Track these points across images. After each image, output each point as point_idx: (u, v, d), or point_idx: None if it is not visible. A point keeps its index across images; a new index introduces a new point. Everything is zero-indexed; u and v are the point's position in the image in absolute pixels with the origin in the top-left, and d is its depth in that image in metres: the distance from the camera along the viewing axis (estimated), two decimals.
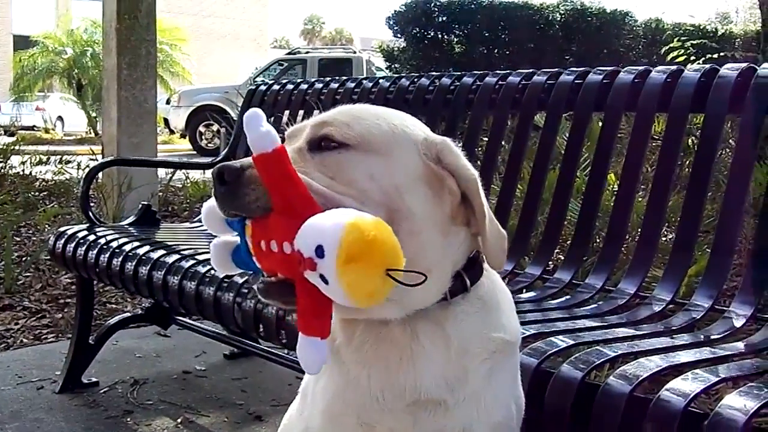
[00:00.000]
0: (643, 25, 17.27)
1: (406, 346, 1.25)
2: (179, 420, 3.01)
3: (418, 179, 1.24)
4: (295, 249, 1.07)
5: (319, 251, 1.04)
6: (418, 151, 1.26)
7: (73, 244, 3.13)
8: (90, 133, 23.84)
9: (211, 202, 1.23)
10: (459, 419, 1.26)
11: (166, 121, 19.55)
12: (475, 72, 3.07)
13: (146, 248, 2.87)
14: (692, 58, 7.44)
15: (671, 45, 7.45)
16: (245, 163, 1.15)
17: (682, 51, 7.29)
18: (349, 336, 1.29)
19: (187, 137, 18.15)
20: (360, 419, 1.28)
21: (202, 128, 17.63)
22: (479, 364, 1.27)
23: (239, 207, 1.15)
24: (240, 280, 2.39)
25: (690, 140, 4.85)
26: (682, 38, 7.70)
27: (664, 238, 3.83)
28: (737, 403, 1.37)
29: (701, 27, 16.69)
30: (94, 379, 3.39)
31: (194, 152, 16.97)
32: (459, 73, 3.11)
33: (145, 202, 3.67)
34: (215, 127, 16.78)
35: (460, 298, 1.28)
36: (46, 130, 23.74)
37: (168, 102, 20.47)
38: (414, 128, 1.30)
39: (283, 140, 1.22)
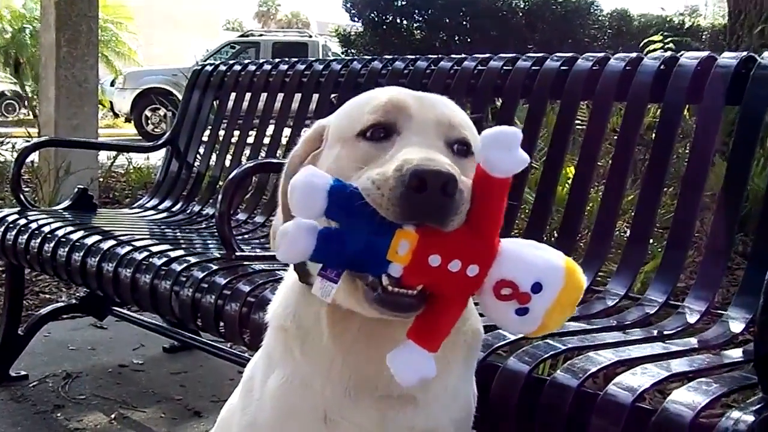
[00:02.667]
0: (609, 16, 17.44)
1: (399, 342, 1.20)
2: (113, 415, 2.97)
3: None
4: (500, 277, 1.11)
5: (537, 287, 1.11)
6: None
7: (2, 229, 3.07)
8: (28, 114, 23.40)
9: (312, 180, 1.10)
10: (429, 416, 1.27)
11: (110, 104, 19.27)
12: (430, 56, 3.07)
13: (80, 233, 2.83)
14: (668, 53, 7.50)
15: (651, 38, 7.49)
16: (454, 175, 1.07)
17: (660, 45, 7.34)
18: (340, 330, 1.25)
19: (133, 121, 17.91)
20: (326, 414, 1.26)
21: (148, 112, 17.42)
22: (460, 356, 1.29)
23: (442, 221, 1.08)
24: (178, 268, 2.37)
25: (653, 134, 4.91)
26: (664, 33, 7.73)
27: (623, 233, 3.87)
28: (685, 399, 1.39)
29: (669, 19, 16.92)
30: (23, 373, 3.33)
31: (140, 137, 16.74)
32: (413, 57, 3.11)
33: (82, 186, 3.61)
34: (162, 112, 16.58)
35: None
36: None
37: (113, 84, 20.17)
38: None
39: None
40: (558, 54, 2.62)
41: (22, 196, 3.35)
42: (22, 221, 3.07)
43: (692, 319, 2.07)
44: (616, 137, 2.58)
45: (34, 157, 6.13)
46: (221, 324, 2.19)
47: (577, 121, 2.74)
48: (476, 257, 1.10)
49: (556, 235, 3.58)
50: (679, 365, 1.64)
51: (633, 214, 2.43)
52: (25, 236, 2.96)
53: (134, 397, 3.16)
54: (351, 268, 1.14)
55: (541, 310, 1.11)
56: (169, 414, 3.02)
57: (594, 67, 2.49)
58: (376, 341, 1.23)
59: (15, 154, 8.02)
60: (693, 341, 1.90)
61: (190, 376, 3.44)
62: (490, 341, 1.69)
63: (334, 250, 1.12)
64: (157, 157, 6.24)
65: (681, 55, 2.35)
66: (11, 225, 3.06)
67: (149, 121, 17.46)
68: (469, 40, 15.49)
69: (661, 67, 2.35)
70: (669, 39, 7.33)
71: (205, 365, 3.54)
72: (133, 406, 3.08)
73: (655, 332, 1.96)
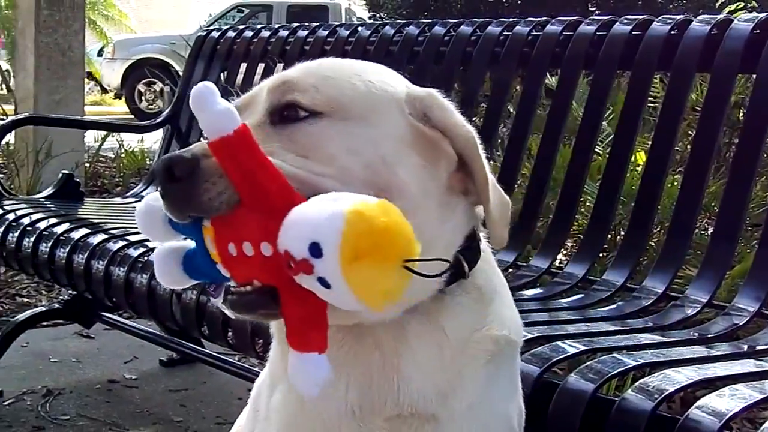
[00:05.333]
0: None
1: (392, 348, 1.23)
2: None
3: (406, 146, 1.22)
4: (281, 250, 1.06)
5: (315, 250, 1.03)
6: (402, 111, 1.25)
7: None
8: (1, 89, 23.62)
9: (148, 202, 1.20)
10: None
11: (92, 75, 19.38)
12: (475, 20, 3.06)
13: (65, 226, 2.85)
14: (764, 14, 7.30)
15: None
16: (199, 151, 1.12)
17: (742, 4, 7.17)
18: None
19: (123, 98, 18.02)
20: None
21: (141, 87, 17.49)
22: (478, 368, 1.26)
23: (199, 207, 1.12)
24: None
25: (741, 113, 4.86)
26: None
27: (703, 231, 3.84)
28: None
29: None
30: None
31: (132, 116, 16.85)
32: (455, 21, 3.10)
33: (67, 171, 3.64)
34: (158, 86, 16.66)
35: (455, 286, 1.26)
36: None
37: (100, 53, 20.30)
38: (395, 83, 1.28)
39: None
40: (629, 16, 2.60)
41: None
42: None
43: None
44: (697, 116, 2.56)
45: (10, 137, 6.18)
46: (230, 332, 2.20)
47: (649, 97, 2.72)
48: (264, 234, 1.09)
49: (622, 232, 3.57)
50: None
51: (717, 208, 2.41)
52: (1, 229, 2.98)
53: (126, 418, 3.18)
54: (214, 279, 1.19)
55: (337, 276, 1.03)
56: None
57: (672, 32, 2.47)
58: (365, 348, 1.24)
59: None
60: None
61: (192, 394, 3.45)
62: (548, 354, 1.69)
63: (197, 267, 1.19)
64: (154, 139, 6.29)
65: None
66: None
67: (143, 97, 17.53)
68: (519, 1, 15.40)
69: (756, 30, 2.32)
70: None
71: (209, 381, 3.55)
72: (125, 428, 3.09)
73: (746, 347, 1.94)
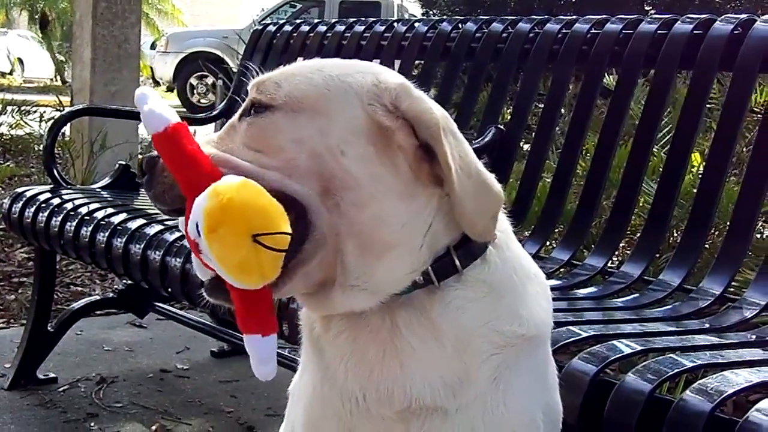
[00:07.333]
0: None
1: (388, 340, 1.26)
2: (153, 427, 3.04)
3: (358, 136, 1.24)
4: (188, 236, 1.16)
5: (198, 229, 1.14)
6: (361, 102, 1.26)
7: (32, 209, 3.15)
8: (56, 80, 23.94)
9: None
10: (460, 429, 1.27)
11: (151, 70, 19.58)
12: (534, 17, 3.06)
13: (122, 216, 2.89)
14: None
15: None
16: (145, 157, 1.27)
17: None
18: (326, 324, 1.32)
19: (176, 91, 18.17)
20: (340, 423, 1.31)
21: (193, 80, 17.63)
22: (483, 362, 1.27)
23: (156, 198, 1.26)
24: None
25: None
26: None
27: (758, 235, 3.80)
28: None
29: None
30: (51, 375, 3.43)
31: (184, 109, 16.98)
32: (513, 18, 3.10)
33: (123, 162, 3.69)
34: (210, 80, 16.78)
35: (453, 281, 1.27)
36: (2, 74, 23.89)
37: (153, 47, 20.48)
38: (360, 76, 1.29)
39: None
40: (691, 15, 2.59)
41: (55, 171, 3.44)
42: (56, 200, 3.14)
43: None
44: (753, 118, 2.54)
45: (66, 128, 6.26)
46: (284, 324, 2.22)
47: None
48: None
49: (677, 234, 3.55)
50: None
51: None
52: (59, 218, 3.03)
53: (178, 407, 3.23)
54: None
55: (206, 250, 1.14)
56: (217, 428, 3.08)
57: (735, 31, 2.45)
58: (363, 337, 1.28)
59: (43, 125, 8.25)
60: None
61: (243, 385, 3.48)
62: (604, 353, 1.69)
63: None
64: (205, 132, 6.32)
65: None
66: (43, 205, 3.14)
67: (195, 91, 17.67)
68: (573, 0, 15.28)
69: None
70: None
71: None
72: (177, 417, 3.14)
73: None
